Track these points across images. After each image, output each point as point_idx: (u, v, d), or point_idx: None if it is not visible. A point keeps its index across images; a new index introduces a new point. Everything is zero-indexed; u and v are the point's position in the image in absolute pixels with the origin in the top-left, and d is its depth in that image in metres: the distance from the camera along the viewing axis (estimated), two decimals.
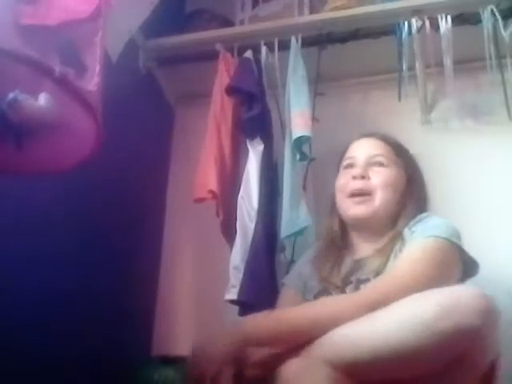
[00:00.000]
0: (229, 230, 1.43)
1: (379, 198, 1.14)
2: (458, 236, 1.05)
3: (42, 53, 0.77)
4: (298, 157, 1.44)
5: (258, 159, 1.43)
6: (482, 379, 0.87)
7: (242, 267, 1.33)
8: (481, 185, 1.58)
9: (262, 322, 0.95)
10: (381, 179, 1.15)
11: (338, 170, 1.25)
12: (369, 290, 0.98)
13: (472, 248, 1.46)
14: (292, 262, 1.40)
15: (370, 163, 1.18)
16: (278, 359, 0.89)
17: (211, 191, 1.38)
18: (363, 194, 1.15)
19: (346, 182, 1.18)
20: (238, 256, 1.36)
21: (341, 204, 1.19)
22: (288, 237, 1.36)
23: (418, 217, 1.11)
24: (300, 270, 1.23)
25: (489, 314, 0.80)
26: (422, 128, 1.68)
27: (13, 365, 1.04)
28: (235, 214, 1.40)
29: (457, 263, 1.02)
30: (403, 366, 0.82)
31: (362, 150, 1.21)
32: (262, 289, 1.27)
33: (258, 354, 0.93)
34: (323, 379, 0.83)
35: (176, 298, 1.69)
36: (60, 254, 1.21)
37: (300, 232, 1.36)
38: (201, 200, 1.41)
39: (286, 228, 1.34)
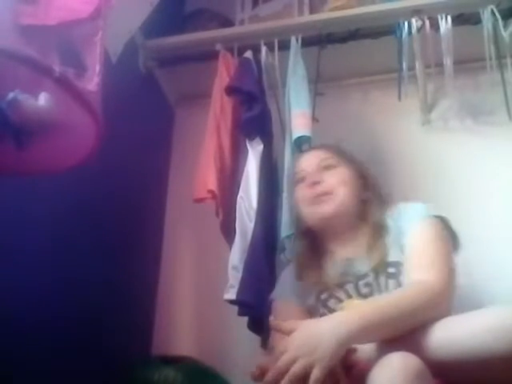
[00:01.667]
0: (228, 229, 1.42)
1: (340, 194, 1.16)
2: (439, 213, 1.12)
3: (42, 53, 0.77)
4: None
5: (258, 159, 1.43)
6: None
7: (240, 267, 1.33)
8: (481, 184, 1.58)
9: (366, 316, 0.89)
10: (336, 178, 1.19)
11: (291, 191, 1.28)
12: (431, 278, 0.97)
13: (472, 247, 1.47)
14: (292, 261, 1.40)
15: (320, 169, 1.21)
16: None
17: (211, 191, 1.38)
18: (324, 194, 1.17)
19: (303, 192, 1.21)
20: (236, 256, 1.35)
21: (306, 214, 1.21)
22: (288, 237, 1.36)
23: (396, 207, 1.15)
24: (291, 282, 1.22)
25: None
26: (422, 128, 1.68)
27: (12, 365, 1.04)
28: (235, 213, 1.40)
29: (448, 235, 1.10)
30: (490, 370, 0.81)
31: (309, 160, 1.24)
32: (260, 289, 1.27)
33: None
34: (426, 380, 0.80)
35: (176, 298, 1.69)
36: (60, 254, 1.21)
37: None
38: (200, 200, 1.41)
39: (285, 228, 1.34)
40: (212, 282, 1.60)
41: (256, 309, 1.26)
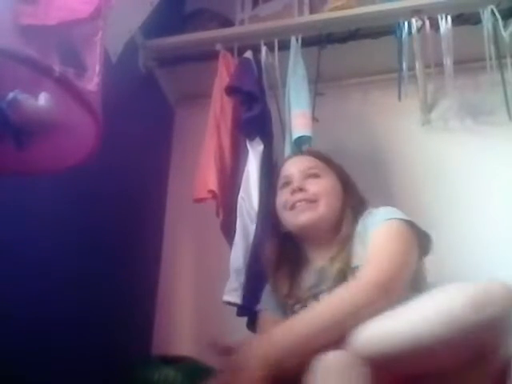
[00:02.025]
0: (229, 229, 1.42)
1: (323, 204, 1.16)
2: (406, 216, 1.09)
3: (42, 53, 0.77)
4: None
5: (258, 159, 1.43)
6: (500, 376, 0.87)
7: (243, 269, 1.32)
8: (481, 184, 1.58)
9: (287, 337, 0.92)
10: (320, 187, 1.19)
11: (274, 192, 1.27)
12: (364, 273, 0.98)
13: (472, 247, 1.47)
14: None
15: (305, 176, 1.21)
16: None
17: (211, 191, 1.38)
18: (306, 201, 1.17)
19: (285, 198, 1.20)
20: (238, 258, 1.35)
21: (287, 219, 1.20)
22: None
23: (365, 213, 1.14)
24: (269, 292, 1.22)
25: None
26: (422, 128, 1.68)
27: (11, 365, 1.04)
28: (235, 213, 1.40)
29: (414, 238, 1.06)
30: (432, 358, 0.82)
31: (295, 166, 1.24)
32: (261, 292, 1.27)
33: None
34: (360, 374, 0.82)
35: (176, 297, 1.69)
36: (59, 254, 1.21)
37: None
38: (201, 200, 1.41)
39: None
40: (212, 282, 1.60)
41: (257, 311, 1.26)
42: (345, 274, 1.08)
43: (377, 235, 1.06)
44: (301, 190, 1.18)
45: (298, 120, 1.43)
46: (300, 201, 1.17)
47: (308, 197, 1.17)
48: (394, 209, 1.11)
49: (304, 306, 1.11)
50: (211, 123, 1.50)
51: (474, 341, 0.80)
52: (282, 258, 1.21)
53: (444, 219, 1.53)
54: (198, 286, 1.69)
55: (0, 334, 1.01)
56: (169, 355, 1.42)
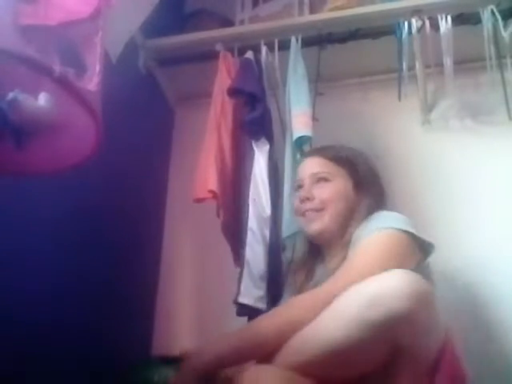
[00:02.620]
0: (229, 230, 1.42)
1: (329, 213, 1.19)
2: (407, 223, 1.07)
3: (42, 53, 0.76)
4: (298, 157, 1.44)
5: (266, 159, 1.42)
6: (431, 373, 0.87)
7: (265, 276, 1.30)
8: (481, 185, 1.58)
9: (221, 345, 0.96)
10: (327, 194, 1.20)
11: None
12: (323, 288, 0.99)
13: (472, 247, 1.47)
14: (292, 261, 1.40)
15: (314, 181, 1.23)
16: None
17: (211, 191, 1.38)
18: (314, 211, 1.20)
19: (297, 204, 1.25)
20: (260, 263, 1.31)
21: (300, 225, 1.26)
22: (288, 237, 1.36)
23: (372, 216, 1.14)
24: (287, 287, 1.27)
25: (420, 297, 0.82)
26: (422, 128, 1.68)
27: (11, 365, 1.04)
28: (236, 214, 1.40)
29: (409, 248, 1.04)
30: (346, 361, 0.84)
31: (306, 171, 1.26)
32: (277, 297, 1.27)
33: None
34: (276, 380, 0.85)
35: (176, 297, 1.69)
36: (59, 253, 1.21)
37: (300, 232, 1.35)
38: (201, 200, 1.41)
39: (286, 228, 1.34)
40: (212, 282, 1.61)
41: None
42: None
43: (362, 244, 1.05)
44: (308, 199, 1.21)
45: (298, 120, 1.43)
46: (308, 210, 1.21)
47: (314, 206, 1.20)
48: (396, 215, 1.10)
49: None
50: (211, 123, 1.50)
51: (381, 336, 0.81)
52: (308, 252, 1.27)
53: (444, 219, 1.53)
54: (198, 286, 1.69)
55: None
56: (169, 355, 1.41)
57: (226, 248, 1.43)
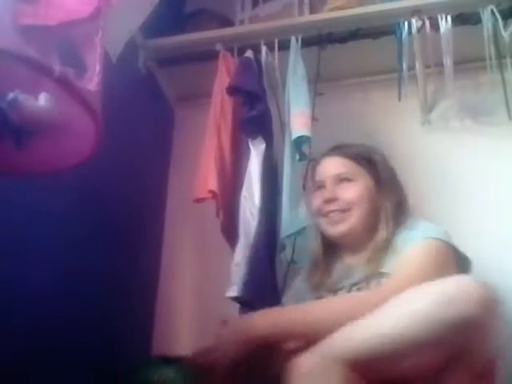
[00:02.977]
0: (229, 230, 1.42)
1: (356, 213, 1.18)
2: (449, 236, 1.09)
3: (42, 53, 0.76)
4: (297, 157, 1.44)
5: (260, 158, 1.43)
6: (481, 376, 0.87)
7: (243, 264, 1.33)
8: (481, 185, 1.58)
9: (276, 320, 0.96)
10: (352, 194, 1.19)
11: (311, 188, 1.30)
12: (381, 291, 0.98)
13: (472, 247, 1.47)
14: (292, 261, 1.40)
15: (338, 182, 1.21)
16: (287, 355, 0.90)
17: (211, 191, 1.38)
18: (339, 212, 1.19)
19: (319, 204, 1.22)
20: (239, 253, 1.35)
21: (321, 225, 1.24)
22: (288, 237, 1.36)
23: (407, 223, 1.15)
24: (296, 287, 1.27)
25: (489, 303, 0.81)
26: (422, 128, 1.68)
27: (11, 365, 1.03)
28: (235, 214, 1.40)
29: (452, 261, 1.06)
30: (403, 359, 0.82)
31: (328, 171, 1.24)
32: (262, 286, 1.28)
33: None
34: (335, 377, 0.83)
35: (176, 297, 1.69)
36: (60, 253, 1.21)
37: (300, 232, 1.36)
38: (201, 200, 1.41)
39: (285, 228, 1.34)
40: (212, 282, 1.60)
41: (257, 307, 1.26)
42: (374, 277, 1.09)
43: (412, 250, 1.06)
44: (333, 200, 1.19)
45: (298, 120, 1.43)
46: (333, 211, 1.19)
47: (340, 207, 1.19)
48: (437, 227, 1.11)
49: (334, 295, 1.14)
50: (211, 123, 1.50)
51: (449, 338, 0.80)
52: (323, 249, 1.25)
53: (444, 219, 1.53)
54: (198, 286, 1.69)
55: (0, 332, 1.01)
56: (169, 355, 1.41)
57: (225, 248, 1.43)
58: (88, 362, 1.26)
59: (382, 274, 1.09)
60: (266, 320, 0.96)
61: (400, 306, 0.85)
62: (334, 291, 1.15)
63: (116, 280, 1.42)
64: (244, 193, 1.40)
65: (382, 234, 1.15)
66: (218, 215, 1.42)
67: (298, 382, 0.84)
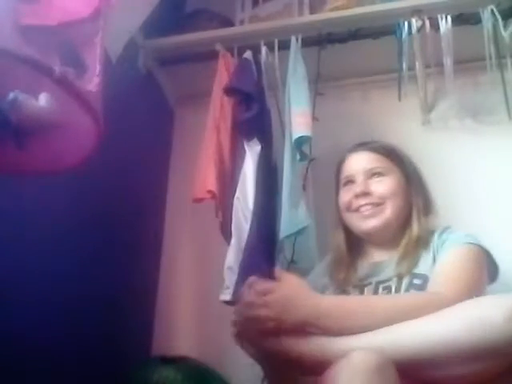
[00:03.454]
0: (228, 230, 1.42)
1: (390, 207, 1.16)
2: (483, 244, 1.10)
3: (42, 53, 0.77)
4: (298, 157, 1.44)
5: (255, 160, 1.43)
6: None
7: (235, 268, 1.33)
8: (481, 184, 1.58)
9: (339, 315, 0.91)
10: (385, 188, 1.17)
11: (336, 185, 1.27)
12: (442, 292, 0.96)
13: None
14: (292, 262, 1.40)
15: (369, 176, 1.19)
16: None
17: (210, 191, 1.38)
18: (372, 206, 1.17)
19: (349, 199, 1.20)
20: (232, 256, 1.35)
21: (350, 221, 1.21)
22: (287, 237, 1.35)
23: (444, 227, 1.15)
24: (315, 282, 1.22)
25: None
26: (422, 128, 1.68)
27: (11, 365, 1.04)
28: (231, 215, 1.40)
29: (486, 268, 1.08)
30: (462, 366, 0.81)
31: (358, 166, 1.21)
32: None
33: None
34: (391, 377, 0.81)
35: (176, 298, 1.69)
36: (59, 253, 1.20)
37: (299, 232, 1.36)
38: (200, 200, 1.41)
39: (285, 228, 1.34)
40: (212, 282, 1.60)
41: None
42: (407, 276, 1.08)
43: (455, 255, 1.06)
44: (366, 194, 1.17)
45: (298, 120, 1.43)
46: (365, 205, 1.17)
47: (374, 200, 1.16)
48: (474, 236, 1.11)
49: (360, 292, 1.12)
50: (210, 123, 1.50)
51: (509, 352, 0.79)
52: (347, 244, 1.23)
53: (443, 219, 1.53)
54: (198, 286, 1.69)
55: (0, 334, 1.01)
56: (169, 355, 1.42)
57: (225, 248, 1.43)
58: (88, 362, 1.26)
59: (414, 275, 1.08)
60: (331, 309, 0.91)
61: (463, 314, 0.84)
62: (360, 287, 1.13)
63: (116, 280, 1.42)
64: (237, 194, 1.40)
65: (414, 230, 1.14)
66: (217, 215, 1.42)
67: (353, 378, 0.79)
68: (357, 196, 1.18)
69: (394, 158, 1.23)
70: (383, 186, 1.17)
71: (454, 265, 1.03)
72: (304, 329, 0.90)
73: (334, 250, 1.25)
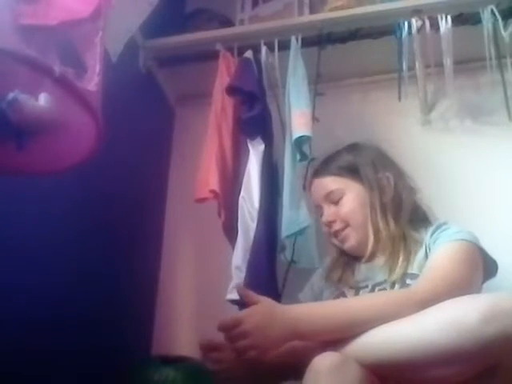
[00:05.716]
0: (231, 229, 1.42)
1: (353, 228, 1.20)
2: (478, 240, 1.09)
3: (42, 53, 0.76)
4: (298, 157, 1.44)
5: (259, 159, 1.43)
6: None
7: (243, 267, 1.33)
8: (481, 185, 1.58)
9: (316, 320, 0.92)
10: (344, 210, 1.21)
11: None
12: (420, 288, 0.97)
13: None
14: (292, 261, 1.40)
15: (329, 202, 1.24)
16: (312, 350, 0.89)
17: (213, 191, 1.38)
18: (340, 231, 1.22)
19: (325, 229, 1.26)
20: (239, 256, 1.35)
21: (335, 244, 1.26)
22: (288, 237, 1.36)
23: (438, 224, 1.15)
24: (313, 284, 1.28)
25: None
26: (422, 128, 1.68)
27: (12, 365, 1.04)
28: (237, 213, 1.40)
29: (481, 264, 1.06)
30: (440, 368, 0.81)
31: (318, 194, 1.27)
32: (262, 289, 1.27)
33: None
34: (352, 376, 0.82)
35: (176, 298, 1.69)
36: (60, 253, 1.21)
37: (300, 232, 1.36)
38: (202, 200, 1.41)
39: (286, 228, 1.34)
40: (212, 282, 1.60)
41: None
42: (399, 277, 1.09)
43: (444, 251, 1.05)
44: (331, 222, 1.22)
45: (298, 120, 1.42)
46: (336, 232, 1.22)
47: (339, 227, 1.21)
48: (467, 229, 1.11)
49: (356, 294, 1.14)
50: (212, 123, 1.50)
51: (485, 354, 0.79)
52: (339, 252, 1.26)
53: (443, 218, 1.53)
54: (198, 286, 1.69)
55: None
56: (169, 355, 1.41)
57: (226, 248, 1.43)
58: (88, 361, 1.26)
59: (407, 275, 1.09)
60: (307, 314, 0.93)
61: (438, 317, 0.84)
62: (357, 289, 1.15)
63: (116, 280, 1.42)
64: (242, 194, 1.40)
65: (383, 232, 1.16)
66: (219, 215, 1.42)
67: (315, 380, 0.82)
68: (327, 226, 1.24)
69: (348, 172, 1.24)
70: (343, 208, 1.21)
71: (443, 262, 1.03)
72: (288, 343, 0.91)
73: (332, 252, 1.28)
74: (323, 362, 0.83)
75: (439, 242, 1.08)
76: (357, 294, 1.14)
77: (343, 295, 1.16)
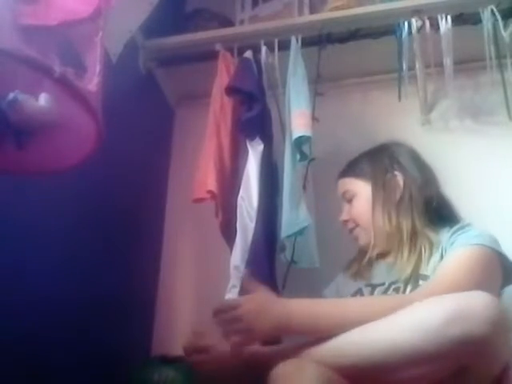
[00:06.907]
0: (228, 230, 1.42)
1: (362, 228, 1.23)
2: (498, 244, 1.08)
3: (42, 53, 0.76)
4: (298, 157, 1.44)
5: (258, 159, 1.43)
6: None
7: (242, 267, 1.33)
8: (481, 185, 1.58)
9: (307, 316, 0.93)
10: (355, 211, 1.25)
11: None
12: (416, 295, 0.96)
13: None
14: (292, 261, 1.40)
15: (346, 201, 1.29)
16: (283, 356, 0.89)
17: (210, 191, 1.38)
18: (353, 229, 1.26)
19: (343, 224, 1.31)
20: (238, 256, 1.35)
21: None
22: (288, 237, 1.36)
23: (459, 225, 1.14)
24: (337, 280, 1.29)
25: (498, 323, 0.79)
26: (422, 128, 1.68)
27: (12, 365, 1.04)
28: (235, 214, 1.40)
29: (499, 270, 1.04)
30: (406, 370, 0.81)
31: (339, 193, 1.32)
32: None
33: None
34: (313, 379, 0.82)
35: (176, 297, 1.69)
36: (60, 253, 1.21)
37: (300, 232, 1.36)
38: (200, 200, 1.41)
39: (286, 228, 1.34)
40: (212, 282, 1.60)
41: None
42: (413, 277, 1.09)
43: (456, 257, 1.04)
44: (345, 221, 1.28)
45: (298, 120, 1.42)
46: (350, 230, 1.27)
47: (352, 226, 1.26)
48: (487, 233, 1.10)
49: (360, 292, 1.16)
50: (211, 123, 1.50)
51: (454, 355, 0.79)
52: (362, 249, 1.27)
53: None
54: (198, 286, 1.69)
55: (1, 333, 1.01)
56: (169, 355, 1.41)
57: (226, 248, 1.43)
58: (88, 362, 1.26)
59: (421, 276, 1.09)
60: (302, 310, 0.93)
61: (403, 319, 0.84)
62: (373, 286, 1.16)
63: (116, 281, 1.42)
64: (241, 194, 1.40)
65: (388, 229, 1.17)
66: (217, 215, 1.42)
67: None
68: (343, 224, 1.30)
69: (363, 173, 1.26)
70: (353, 208, 1.26)
71: (452, 269, 1.01)
72: (278, 335, 0.93)
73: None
74: (277, 372, 0.84)
75: (455, 246, 1.07)
76: (373, 291, 1.14)
77: (360, 292, 1.17)
